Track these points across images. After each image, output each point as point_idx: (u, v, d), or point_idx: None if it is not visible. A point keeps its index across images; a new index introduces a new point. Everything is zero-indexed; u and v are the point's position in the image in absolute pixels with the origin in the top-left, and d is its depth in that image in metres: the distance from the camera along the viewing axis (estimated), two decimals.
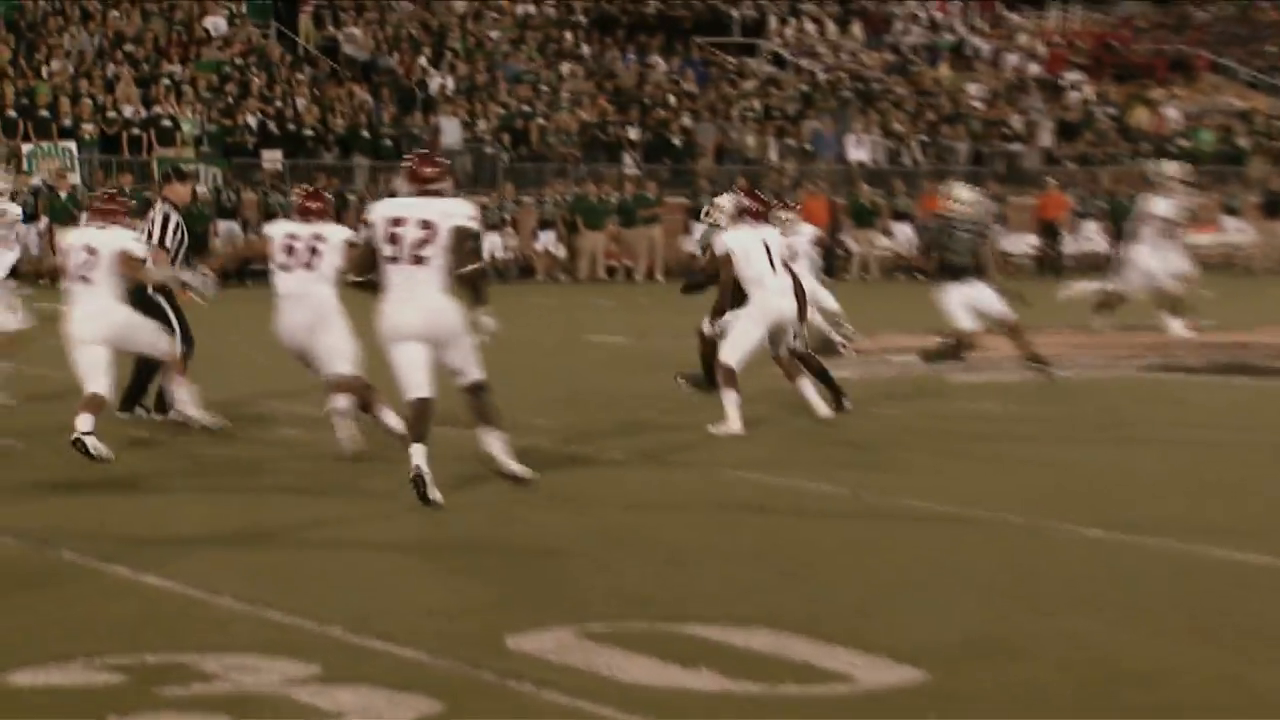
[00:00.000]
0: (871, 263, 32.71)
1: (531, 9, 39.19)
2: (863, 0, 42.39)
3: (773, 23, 41.11)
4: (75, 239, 10.37)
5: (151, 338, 10.51)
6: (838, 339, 14.93)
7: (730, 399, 11.18)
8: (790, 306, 11.60)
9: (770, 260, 11.52)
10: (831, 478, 9.20)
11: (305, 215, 10.44)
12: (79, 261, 10.10)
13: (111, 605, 6.16)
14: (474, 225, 8.75)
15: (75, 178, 28.66)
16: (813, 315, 13.02)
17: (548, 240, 31.22)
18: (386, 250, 8.68)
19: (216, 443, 10.49)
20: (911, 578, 6.73)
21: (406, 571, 6.80)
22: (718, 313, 11.70)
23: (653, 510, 8.32)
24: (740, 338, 11.46)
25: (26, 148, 28.94)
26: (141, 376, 11.36)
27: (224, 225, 28.81)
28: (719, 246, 11.72)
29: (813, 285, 13.32)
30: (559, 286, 29.27)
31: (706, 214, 12.72)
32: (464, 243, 8.63)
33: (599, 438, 10.87)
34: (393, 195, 9.40)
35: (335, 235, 10.34)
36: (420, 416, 8.53)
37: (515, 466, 8.84)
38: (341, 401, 9.99)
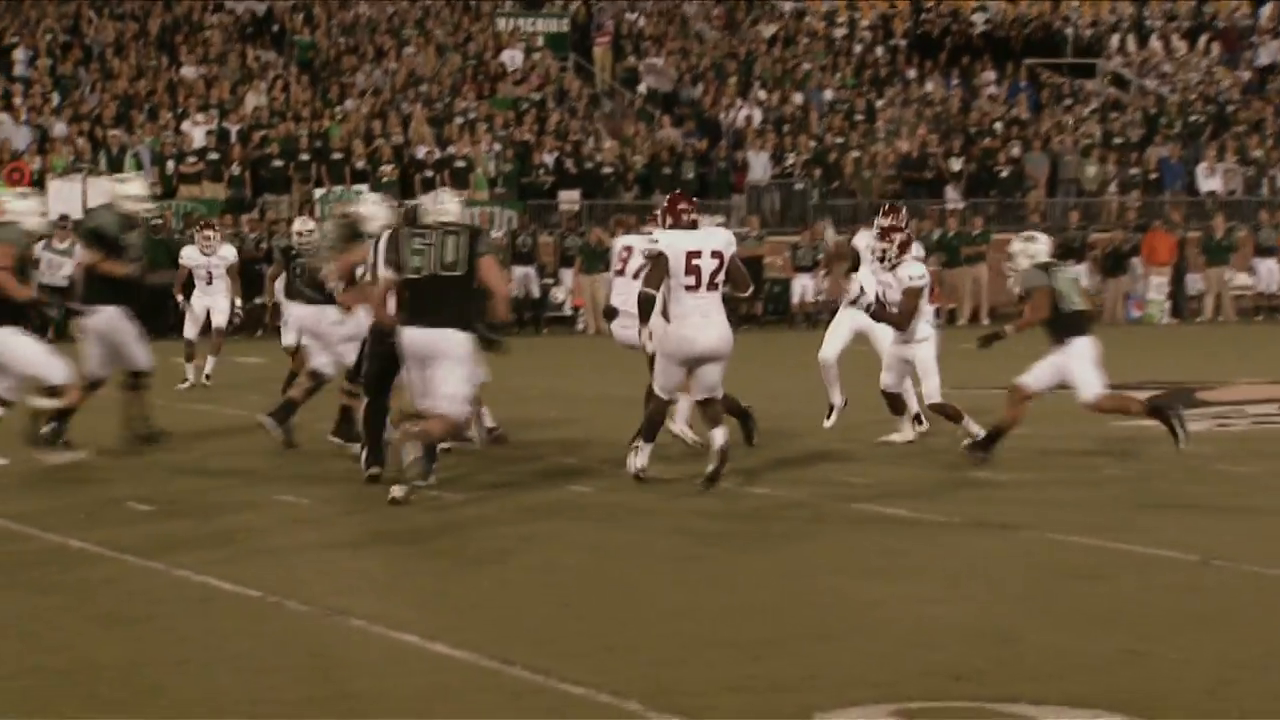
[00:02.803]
0: (1226, 303, 31.76)
1: (845, 31, 39.22)
2: (1216, 14, 41.25)
3: (1113, 41, 40.30)
4: None
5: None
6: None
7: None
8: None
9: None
10: (1177, 542, 8.96)
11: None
12: None
13: (402, 675, 6.32)
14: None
15: None
16: None
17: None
18: (685, 279, 10.80)
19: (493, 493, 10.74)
20: (1272, 657, 6.49)
21: (706, 639, 6.81)
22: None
23: (974, 577, 8.20)
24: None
25: (319, 193, 30.09)
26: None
27: (519, 271, 29.44)
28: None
29: None
30: None
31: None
32: (740, 269, 11.07)
33: (915, 496, 10.81)
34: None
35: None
36: (661, 415, 11.16)
37: (722, 440, 10.81)
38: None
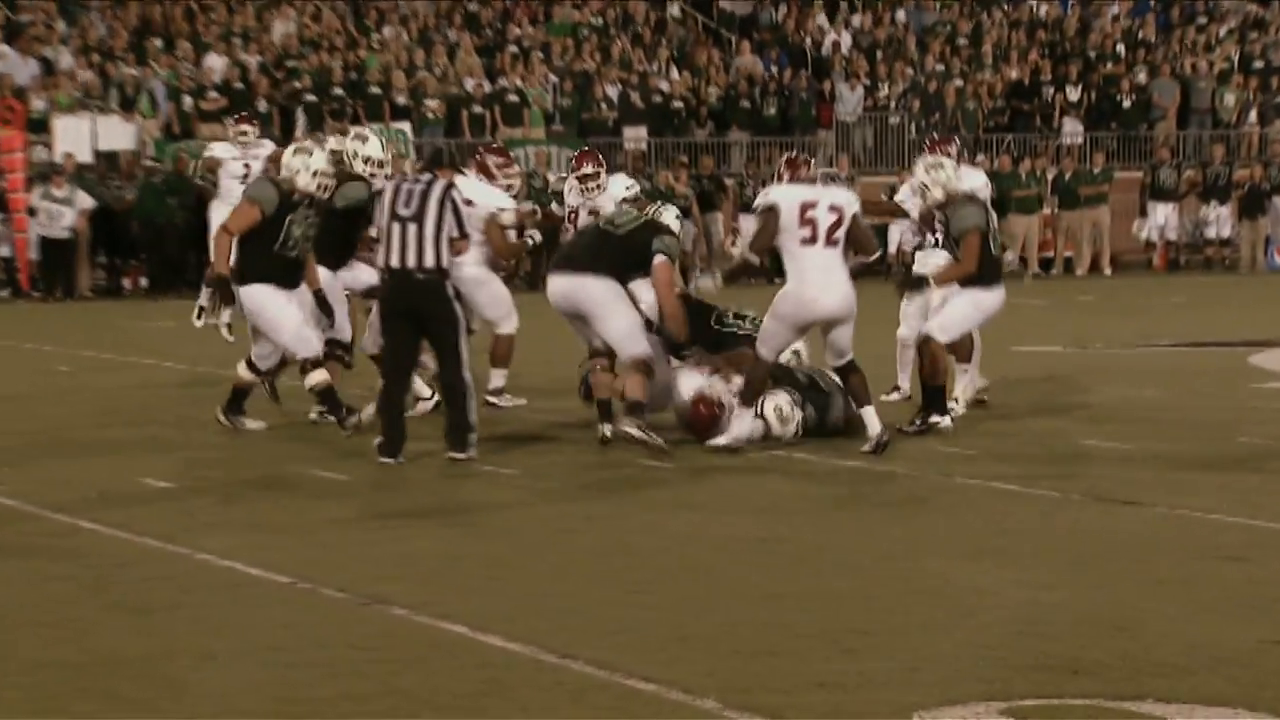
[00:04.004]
0: None
1: None
2: None
3: None
4: None
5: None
6: None
7: None
8: None
9: None
10: None
11: None
12: None
13: (451, 670, 6.36)
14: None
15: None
16: None
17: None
18: (800, 232, 11.14)
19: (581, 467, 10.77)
20: None
21: (791, 630, 6.82)
22: None
23: (1095, 560, 8.17)
24: None
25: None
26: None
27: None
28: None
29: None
30: None
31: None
32: (865, 230, 11.39)
33: (1028, 467, 10.81)
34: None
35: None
36: (764, 379, 11.40)
37: (878, 429, 11.19)
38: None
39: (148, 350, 18.65)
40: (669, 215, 12.36)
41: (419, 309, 11.24)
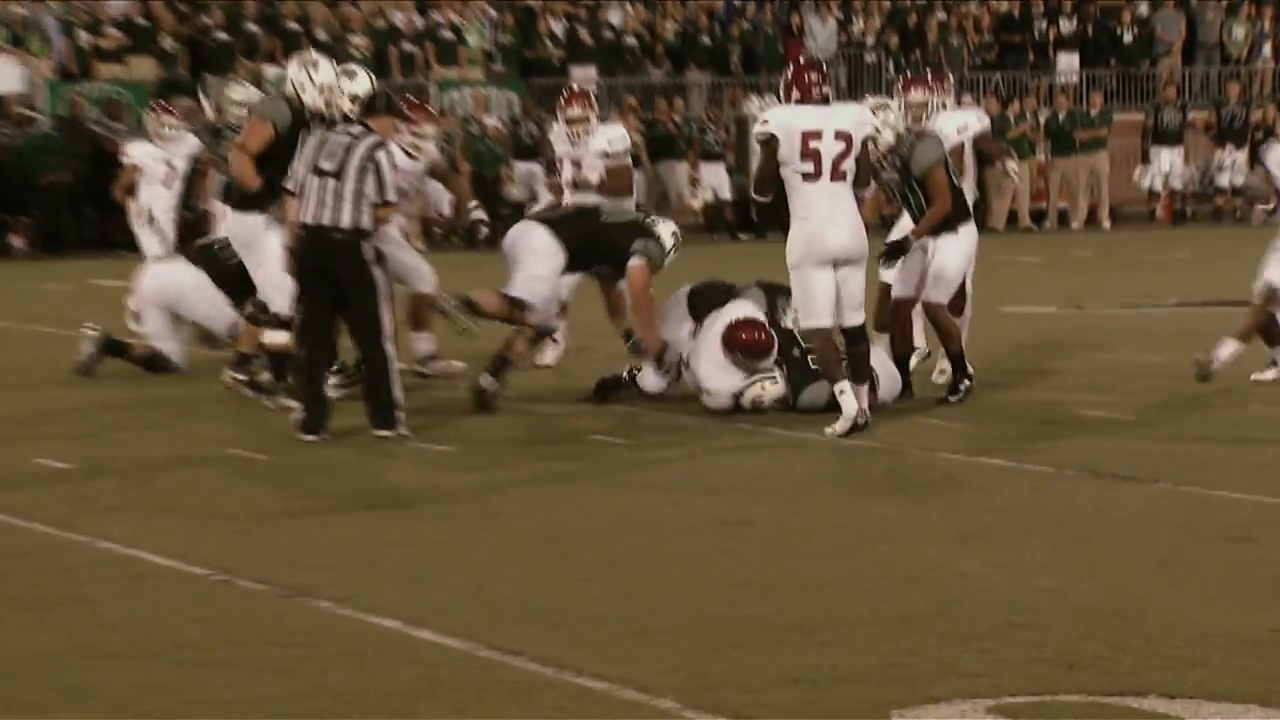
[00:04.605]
0: None
1: None
2: None
3: None
4: None
5: None
6: None
7: None
8: None
9: None
10: None
11: None
12: None
13: (381, 669, 6.38)
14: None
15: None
16: None
17: None
18: (802, 165, 10.94)
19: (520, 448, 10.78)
20: None
21: (759, 622, 6.83)
22: None
23: (1092, 541, 8.22)
24: None
25: (271, 71, 29.99)
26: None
27: (521, 168, 29.38)
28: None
29: None
30: None
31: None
32: (869, 156, 11.28)
33: (1019, 440, 10.86)
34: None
35: None
36: (832, 348, 11.08)
37: (856, 409, 10.91)
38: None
39: (39, 316, 18.57)
40: (665, 229, 12.47)
41: (333, 271, 11.21)
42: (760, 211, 30.09)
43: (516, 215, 30.01)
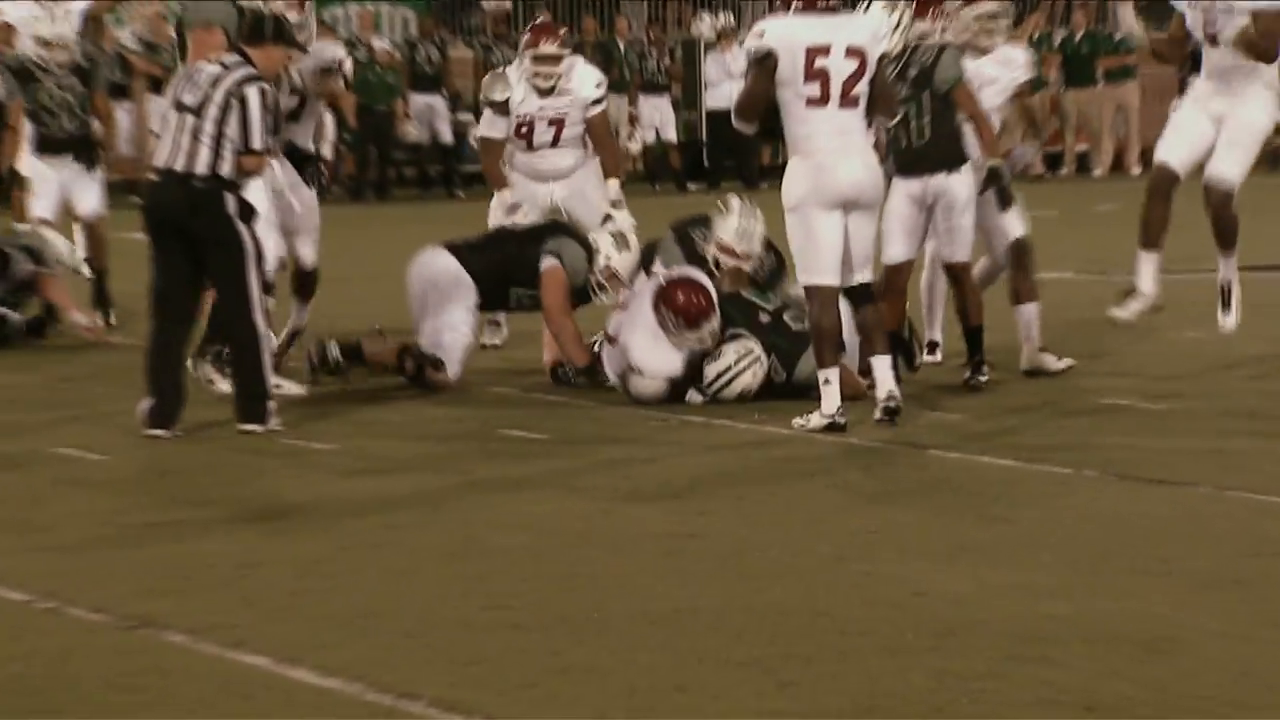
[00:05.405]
0: None
1: None
2: None
3: None
4: None
5: None
6: None
7: None
8: None
9: None
10: None
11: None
12: None
13: (247, 717, 6.34)
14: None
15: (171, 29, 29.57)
16: None
17: None
18: (806, 89, 10.80)
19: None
20: None
21: (705, 657, 6.83)
22: None
23: (1115, 558, 8.23)
24: None
25: None
26: None
27: (420, 101, 29.36)
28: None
29: None
30: None
31: None
32: (886, 82, 11.20)
33: (1029, 434, 10.95)
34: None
35: None
36: (833, 317, 10.99)
37: (890, 387, 11.01)
38: None
39: None
40: (603, 236, 12.65)
41: (189, 226, 11.14)
42: (712, 155, 30.28)
43: (413, 158, 30.39)
